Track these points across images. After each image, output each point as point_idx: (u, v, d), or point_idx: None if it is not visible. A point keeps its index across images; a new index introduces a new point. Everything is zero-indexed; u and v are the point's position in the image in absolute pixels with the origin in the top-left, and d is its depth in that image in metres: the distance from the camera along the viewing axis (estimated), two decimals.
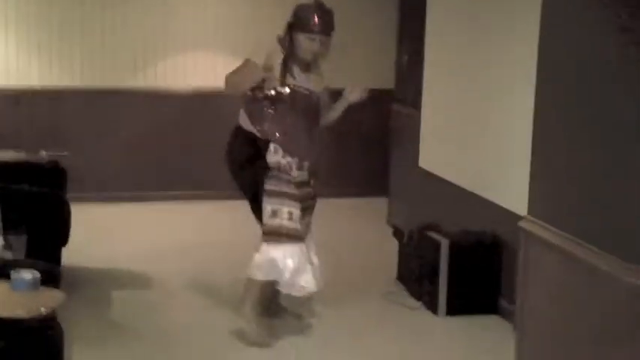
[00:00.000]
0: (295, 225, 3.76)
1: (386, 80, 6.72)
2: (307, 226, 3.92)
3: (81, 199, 5.46)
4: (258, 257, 3.81)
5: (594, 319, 2.58)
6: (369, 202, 6.56)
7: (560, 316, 2.75)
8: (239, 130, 3.90)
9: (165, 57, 6.58)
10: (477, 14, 4.58)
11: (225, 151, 3.97)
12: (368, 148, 7.02)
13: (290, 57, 3.82)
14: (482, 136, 4.54)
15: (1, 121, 6.34)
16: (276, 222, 3.76)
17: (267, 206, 3.78)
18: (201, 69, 6.66)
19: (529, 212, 2.95)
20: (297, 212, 3.77)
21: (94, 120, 6.52)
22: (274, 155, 3.79)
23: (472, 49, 4.64)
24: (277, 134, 3.80)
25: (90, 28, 6.42)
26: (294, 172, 3.80)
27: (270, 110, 3.79)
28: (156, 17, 6.53)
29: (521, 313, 3.00)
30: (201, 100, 6.66)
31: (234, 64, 6.44)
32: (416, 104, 5.42)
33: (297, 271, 3.78)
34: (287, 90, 3.77)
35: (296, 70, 3.83)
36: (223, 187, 6.74)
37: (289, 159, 3.79)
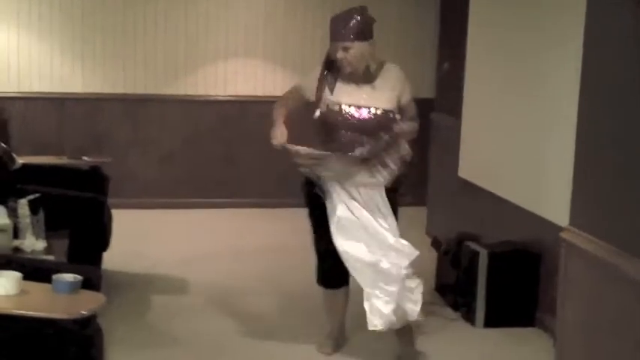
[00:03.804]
0: None
1: (426, 89, 6.70)
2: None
3: (120, 205, 5.53)
4: None
5: (639, 335, 2.53)
6: (407, 212, 6.50)
7: (603, 332, 2.70)
8: None
9: (205, 65, 6.64)
10: (521, 21, 4.53)
11: None
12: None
13: (331, 71, 3.68)
14: (523, 145, 4.49)
15: (45, 127, 6.46)
16: None
17: None
18: (240, 77, 6.70)
19: (571, 223, 2.90)
20: None
21: (134, 127, 6.60)
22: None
23: (515, 58, 4.59)
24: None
25: (131, 36, 6.50)
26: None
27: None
28: (196, 25, 6.60)
29: (562, 327, 2.95)
30: (240, 108, 6.71)
31: (273, 71, 6.61)
32: (456, 113, 5.39)
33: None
34: (318, 111, 3.69)
35: (338, 84, 3.68)
36: (261, 195, 6.81)
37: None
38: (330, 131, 3.70)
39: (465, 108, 5.25)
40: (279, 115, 3.74)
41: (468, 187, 5.20)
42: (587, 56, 2.86)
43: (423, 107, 6.43)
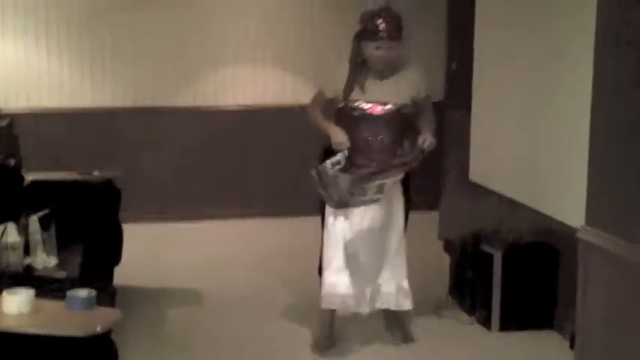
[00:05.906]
0: None
1: (436, 92, 6.63)
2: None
3: (132, 217, 5.52)
4: None
5: None
6: (419, 216, 6.48)
7: (623, 329, 2.66)
8: None
9: (215, 74, 6.63)
10: (529, 17, 4.48)
11: None
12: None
13: (361, 69, 3.81)
14: (534, 146, 4.45)
15: (56, 142, 6.46)
16: None
17: None
18: (249, 86, 6.70)
19: (587, 222, 2.86)
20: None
21: (145, 138, 6.60)
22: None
23: (524, 56, 4.54)
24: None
25: (141, 48, 6.51)
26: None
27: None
28: (204, 35, 6.59)
29: (582, 326, 2.91)
30: (250, 117, 6.70)
31: (282, 78, 6.59)
32: (466, 115, 5.35)
33: None
34: (352, 106, 3.83)
35: (369, 81, 3.82)
36: (272, 203, 6.78)
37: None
38: (349, 126, 3.80)
39: (474, 110, 5.22)
40: (321, 118, 3.88)
41: (480, 190, 5.16)
42: (599, 52, 2.83)
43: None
